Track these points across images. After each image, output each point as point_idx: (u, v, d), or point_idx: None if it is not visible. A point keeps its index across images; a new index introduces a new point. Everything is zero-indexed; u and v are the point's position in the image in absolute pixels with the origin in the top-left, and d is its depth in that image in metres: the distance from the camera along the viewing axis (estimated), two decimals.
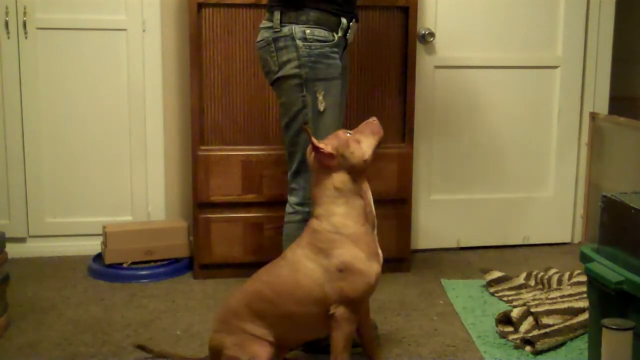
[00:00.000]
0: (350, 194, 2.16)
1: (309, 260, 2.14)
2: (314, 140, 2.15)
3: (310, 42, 2.39)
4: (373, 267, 2.16)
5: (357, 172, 2.17)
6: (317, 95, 2.42)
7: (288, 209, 2.53)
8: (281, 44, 2.40)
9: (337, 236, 2.14)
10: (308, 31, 2.39)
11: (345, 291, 2.12)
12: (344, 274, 2.12)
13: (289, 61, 2.40)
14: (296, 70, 2.40)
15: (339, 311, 2.13)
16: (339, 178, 2.15)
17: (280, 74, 2.42)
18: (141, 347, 2.45)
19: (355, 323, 2.19)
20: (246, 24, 3.16)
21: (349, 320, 2.14)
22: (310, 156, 2.21)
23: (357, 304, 2.15)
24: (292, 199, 2.53)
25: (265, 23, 2.46)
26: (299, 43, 2.38)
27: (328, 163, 2.15)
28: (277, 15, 2.39)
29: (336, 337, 2.15)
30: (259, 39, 2.48)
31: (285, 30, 2.39)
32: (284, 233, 2.53)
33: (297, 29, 2.39)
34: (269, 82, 2.50)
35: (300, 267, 2.15)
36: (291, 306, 2.14)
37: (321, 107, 2.42)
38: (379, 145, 2.24)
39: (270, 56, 2.42)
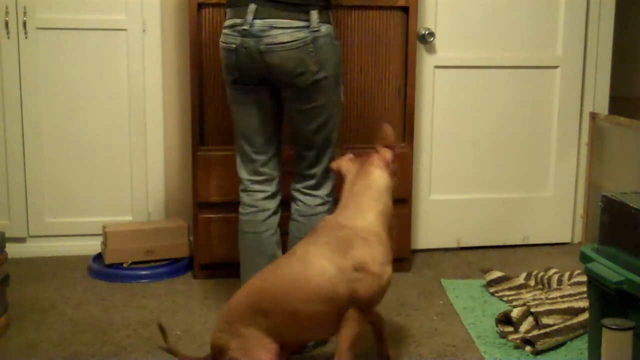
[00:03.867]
0: (389, 198, 2.24)
1: (323, 258, 2.13)
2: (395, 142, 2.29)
3: (337, 40, 2.47)
4: (387, 271, 2.16)
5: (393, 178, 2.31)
6: (340, 92, 2.52)
7: (315, 200, 2.55)
8: (321, 42, 2.37)
9: (359, 237, 2.15)
10: (334, 30, 2.44)
11: (358, 292, 2.11)
12: (360, 274, 2.11)
13: (328, 60, 2.40)
14: (334, 70, 2.44)
15: (350, 311, 2.13)
16: (390, 182, 2.27)
17: (322, 74, 2.40)
18: (161, 329, 2.36)
19: (364, 325, 2.19)
20: None
21: (358, 320, 2.14)
22: (353, 159, 2.32)
23: (368, 306, 2.16)
24: (321, 191, 2.56)
25: (295, 23, 2.35)
26: (335, 42, 2.43)
27: (395, 162, 2.29)
28: (314, 14, 2.36)
29: (344, 335, 2.15)
30: (288, 39, 2.35)
31: (324, 29, 2.37)
32: (316, 223, 2.44)
33: (331, 29, 2.41)
34: (298, 84, 2.40)
35: (312, 265, 2.13)
36: (297, 304, 2.12)
37: (342, 102, 2.56)
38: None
39: (309, 56, 2.36)
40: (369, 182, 2.23)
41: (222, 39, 2.46)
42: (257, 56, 2.37)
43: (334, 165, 2.36)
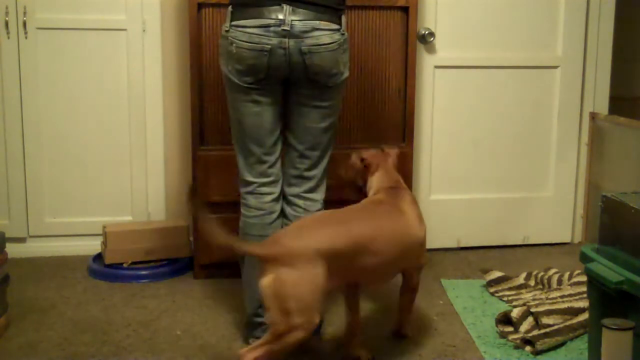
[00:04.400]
0: None
1: (417, 217, 2.46)
2: None
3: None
4: None
5: None
6: None
7: (315, 206, 2.56)
8: (345, 46, 2.46)
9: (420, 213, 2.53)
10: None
11: (419, 253, 2.51)
12: (424, 240, 2.51)
13: (347, 62, 2.50)
14: (349, 71, 2.53)
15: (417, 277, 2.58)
16: None
17: (345, 74, 2.49)
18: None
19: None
20: None
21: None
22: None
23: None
24: (319, 195, 2.58)
25: (331, 25, 2.40)
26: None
27: None
28: (344, 18, 2.45)
29: (413, 297, 2.62)
30: (329, 41, 2.39)
31: (346, 33, 2.46)
32: None
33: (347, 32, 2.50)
34: (330, 84, 2.44)
35: (416, 221, 2.45)
36: (409, 251, 2.42)
37: None
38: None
39: (341, 58, 2.44)
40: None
41: (244, 38, 2.37)
42: (297, 57, 2.37)
43: (366, 154, 2.59)
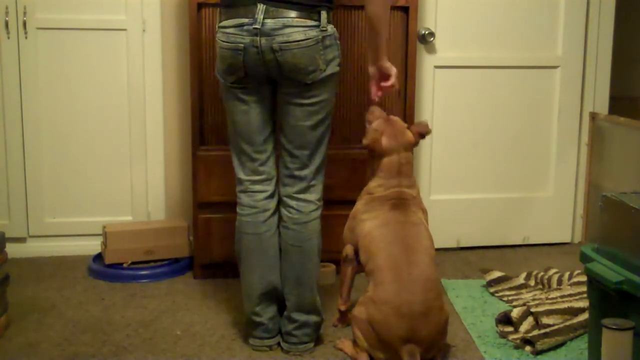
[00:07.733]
0: None
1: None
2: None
3: (339, 40, 2.50)
4: None
5: None
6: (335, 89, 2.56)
7: (309, 207, 2.53)
8: (328, 42, 2.43)
9: None
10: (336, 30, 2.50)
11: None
12: None
13: (333, 59, 2.46)
14: (337, 68, 2.49)
15: None
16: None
17: (327, 72, 2.45)
18: None
19: None
20: None
21: None
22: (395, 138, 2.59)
23: None
24: (313, 195, 2.55)
25: (307, 22, 2.39)
26: (338, 42, 2.48)
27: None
28: (324, 14, 2.41)
29: None
30: (302, 37, 2.38)
31: (329, 29, 2.43)
32: (312, 230, 2.53)
33: (334, 29, 2.46)
34: (307, 81, 2.43)
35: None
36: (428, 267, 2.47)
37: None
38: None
39: (319, 54, 2.41)
40: (411, 159, 2.65)
41: (223, 38, 2.42)
42: (269, 55, 2.38)
43: (370, 137, 2.59)
